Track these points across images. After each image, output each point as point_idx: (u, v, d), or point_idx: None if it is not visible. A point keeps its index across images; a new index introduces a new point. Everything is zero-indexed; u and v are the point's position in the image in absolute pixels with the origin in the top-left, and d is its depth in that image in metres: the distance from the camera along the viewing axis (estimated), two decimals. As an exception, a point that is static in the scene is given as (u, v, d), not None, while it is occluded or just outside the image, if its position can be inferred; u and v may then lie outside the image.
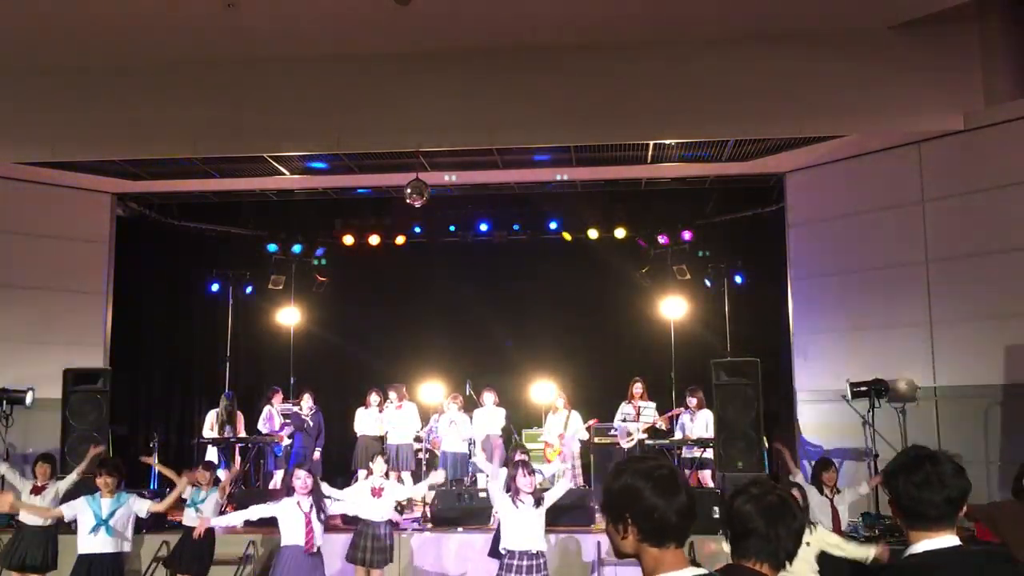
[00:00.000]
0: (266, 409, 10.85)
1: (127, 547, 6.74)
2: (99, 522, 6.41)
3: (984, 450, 8.34)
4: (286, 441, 10.70)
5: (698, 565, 2.11)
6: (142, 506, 6.70)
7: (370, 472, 10.47)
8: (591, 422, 10.65)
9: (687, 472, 10.08)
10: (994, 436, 8.42)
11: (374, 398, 10.83)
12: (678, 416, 10.59)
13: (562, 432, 10.28)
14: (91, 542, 6.41)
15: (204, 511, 7.38)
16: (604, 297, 12.76)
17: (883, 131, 9.05)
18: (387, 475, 7.80)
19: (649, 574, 2.06)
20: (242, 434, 10.54)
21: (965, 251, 8.79)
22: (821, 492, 7.32)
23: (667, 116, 8.98)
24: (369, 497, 7.42)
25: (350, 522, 8.02)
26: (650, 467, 2.11)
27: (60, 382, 9.39)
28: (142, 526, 8.66)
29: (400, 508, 8.67)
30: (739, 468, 8.69)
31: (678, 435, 10.21)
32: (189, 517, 7.46)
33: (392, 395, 10.71)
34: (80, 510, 6.49)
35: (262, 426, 10.69)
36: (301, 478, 6.59)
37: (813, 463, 7.97)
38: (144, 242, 11.83)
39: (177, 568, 7.40)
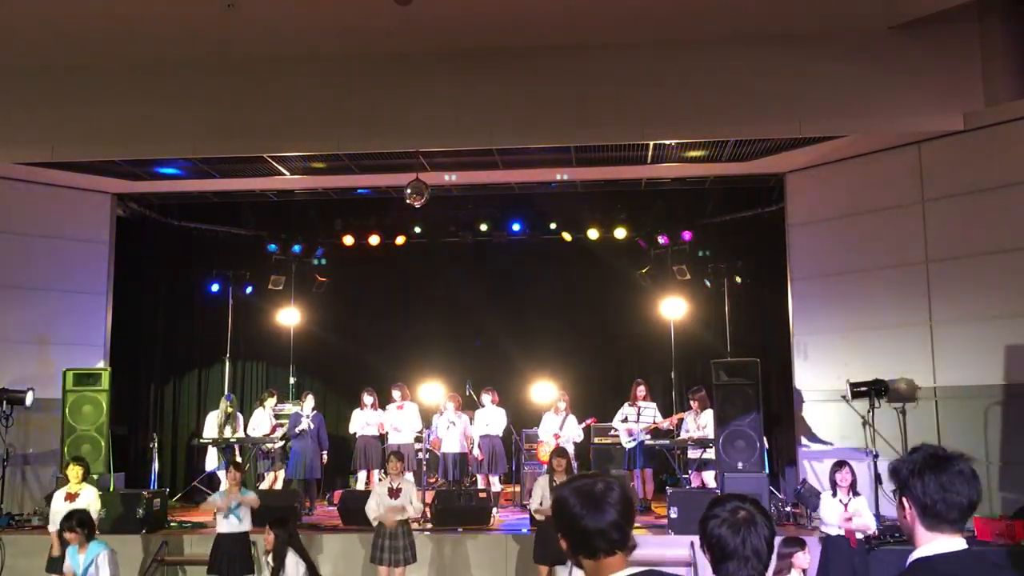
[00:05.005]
0: (256, 412, 10.84)
1: None
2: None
3: (984, 450, 8.33)
4: (279, 443, 10.70)
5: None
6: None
7: (370, 473, 10.62)
8: (588, 421, 10.65)
9: (690, 472, 10.09)
10: (994, 436, 8.41)
11: (368, 398, 10.84)
12: (682, 420, 10.60)
13: (558, 433, 10.29)
14: None
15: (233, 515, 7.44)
16: (604, 297, 12.75)
17: (883, 131, 9.04)
18: (403, 474, 7.81)
19: None
20: (241, 435, 10.53)
21: (965, 251, 8.78)
22: (835, 495, 7.12)
23: (667, 116, 8.97)
24: (387, 498, 7.47)
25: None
26: (584, 484, 2.13)
27: (60, 382, 9.41)
28: (142, 526, 8.69)
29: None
30: (739, 468, 8.70)
31: (683, 435, 10.21)
32: (226, 524, 7.46)
33: (395, 394, 10.72)
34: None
35: (251, 430, 10.67)
36: None
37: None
38: (144, 242, 11.83)
39: (222, 572, 7.37)
